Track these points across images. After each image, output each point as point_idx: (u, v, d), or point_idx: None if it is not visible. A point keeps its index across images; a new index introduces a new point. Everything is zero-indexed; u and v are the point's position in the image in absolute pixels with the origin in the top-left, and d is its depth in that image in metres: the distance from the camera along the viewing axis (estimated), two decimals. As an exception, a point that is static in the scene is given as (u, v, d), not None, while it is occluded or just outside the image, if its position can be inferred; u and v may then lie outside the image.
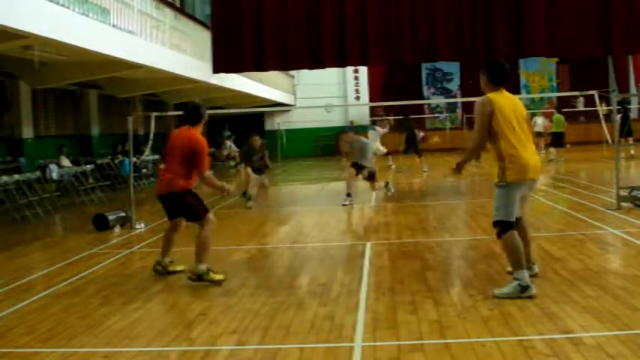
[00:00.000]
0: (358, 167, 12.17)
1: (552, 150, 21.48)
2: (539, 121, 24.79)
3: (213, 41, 11.01)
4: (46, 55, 11.97)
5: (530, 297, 5.04)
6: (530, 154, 5.30)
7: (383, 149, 22.94)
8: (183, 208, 6.26)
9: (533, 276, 5.47)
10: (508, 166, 5.20)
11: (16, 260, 7.81)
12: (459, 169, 5.58)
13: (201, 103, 6.70)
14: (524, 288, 5.10)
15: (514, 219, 5.24)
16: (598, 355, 3.83)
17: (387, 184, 12.85)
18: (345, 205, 11.71)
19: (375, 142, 23.28)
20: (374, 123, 25.41)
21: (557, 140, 21.32)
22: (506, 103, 5.33)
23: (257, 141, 12.92)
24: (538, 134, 24.86)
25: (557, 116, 21.57)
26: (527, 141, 5.32)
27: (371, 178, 12.23)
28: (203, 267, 6.02)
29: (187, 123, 6.33)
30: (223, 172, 23.20)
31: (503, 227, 5.21)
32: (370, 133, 23.11)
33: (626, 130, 19.04)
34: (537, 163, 5.36)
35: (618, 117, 17.58)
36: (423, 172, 18.39)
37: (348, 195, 11.96)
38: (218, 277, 6.05)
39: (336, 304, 5.24)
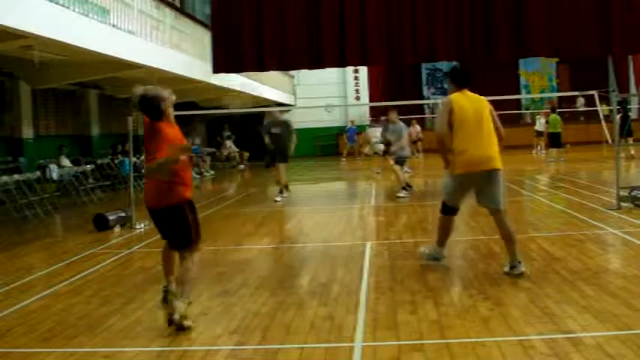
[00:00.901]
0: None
1: (552, 151, 21.46)
2: (541, 120, 24.83)
3: (213, 41, 10.99)
4: (46, 55, 11.97)
5: (436, 259, 6.29)
6: (480, 148, 5.84)
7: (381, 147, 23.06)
8: (179, 225, 4.85)
9: (519, 275, 5.68)
10: (457, 159, 5.88)
11: (16, 260, 7.81)
12: (446, 164, 6.13)
13: (149, 89, 5.03)
14: (431, 256, 6.35)
15: (455, 206, 6.13)
16: (598, 355, 3.83)
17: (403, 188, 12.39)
18: (401, 197, 11.95)
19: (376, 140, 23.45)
20: (377, 121, 25.51)
21: (554, 141, 21.31)
22: (466, 102, 5.96)
23: (277, 112, 12.80)
24: (538, 134, 24.93)
25: (553, 116, 21.53)
26: (483, 137, 5.87)
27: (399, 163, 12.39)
28: (185, 304, 4.76)
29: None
30: (225, 172, 23.21)
31: (444, 209, 6.16)
32: (369, 130, 23.26)
33: (626, 130, 19.04)
34: (485, 156, 5.84)
35: (618, 117, 17.57)
36: (376, 173, 18.11)
37: (404, 188, 12.12)
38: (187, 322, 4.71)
39: (336, 304, 5.24)
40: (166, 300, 4.99)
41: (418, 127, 25.87)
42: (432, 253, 6.40)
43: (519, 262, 5.73)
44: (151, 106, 4.92)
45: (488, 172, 5.84)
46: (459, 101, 5.92)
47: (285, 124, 12.69)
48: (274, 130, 12.33)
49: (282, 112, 13.08)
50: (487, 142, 5.86)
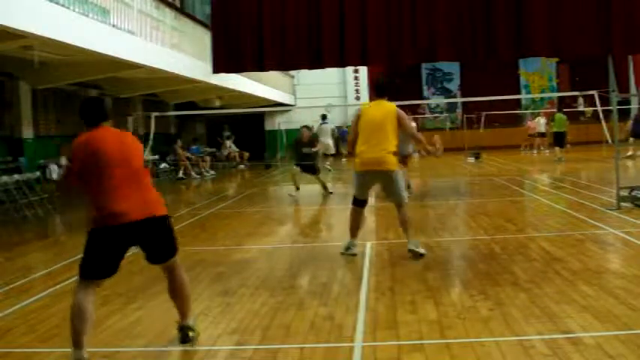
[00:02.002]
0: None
1: (555, 149, 21.49)
2: (542, 121, 24.86)
3: (213, 41, 10.97)
4: (46, 55, 11.98)
5: (353, 254, 6.98)
6: (372, 152, 6.69)
7: (332, 148, 22.70)
8: (171, 234, 4.42)
9: (419, 255, 6.76)
10: (356, 159, 6.90)
11: (16, 260, 7.81)
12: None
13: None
14: (345, 248, 7.07)
15: (362, 199, 7.05)
16: (598, 355, 3.83)
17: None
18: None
19: (326, 138, 22.82)
20: (324, 117, 23.00)
21: (557, 140, 21.34)
22: (375, 110, 6.84)
23: (305, 132, 13.58)
24: (541, 134, 24.95)
25: (559, 115, 21.57)
26: (376, 142, 6.68)
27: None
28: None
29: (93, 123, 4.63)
30: (225, 171, 23.21)
31: (353, 201, 7.08)
32: (322, 127, 22.63)
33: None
34: (375, 158, 6.70)
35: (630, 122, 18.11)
36: None
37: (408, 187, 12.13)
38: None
39: (336, 304, 5.24)
40: (188, 339, 4.40)
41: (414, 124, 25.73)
42: (345, 244, 7.11)
43: (416, 245, 6.84)
44: (95, 108, 4.66)
45: (380, 172, 6.77)
46: (367, 110, 6.92)
47: (313, 144, 13.72)
48: (305, 151, 13.49)
49: (310, 129, 14.12)
50: (380, 147, 6.69)
